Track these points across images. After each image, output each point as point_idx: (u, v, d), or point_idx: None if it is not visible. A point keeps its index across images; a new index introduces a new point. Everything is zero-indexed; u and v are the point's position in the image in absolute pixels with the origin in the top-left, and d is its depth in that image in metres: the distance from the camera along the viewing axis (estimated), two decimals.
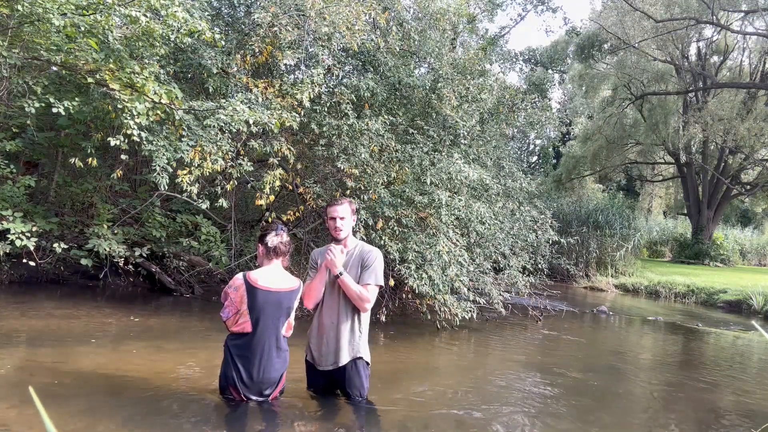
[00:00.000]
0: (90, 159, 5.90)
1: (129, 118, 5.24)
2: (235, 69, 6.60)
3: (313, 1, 6.32)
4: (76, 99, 5.52)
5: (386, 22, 7.56)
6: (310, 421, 3.35)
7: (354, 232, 4.04)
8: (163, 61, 6.08)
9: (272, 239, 3.36)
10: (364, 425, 3.44)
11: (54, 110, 5.29)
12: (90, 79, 5.34)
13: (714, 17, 16.49)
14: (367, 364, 3.57)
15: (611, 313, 9.83)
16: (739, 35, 19.25)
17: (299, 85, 6.38)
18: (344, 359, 3.46)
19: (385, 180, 6.52)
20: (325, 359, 3.51)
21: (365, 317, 3.56)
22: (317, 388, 3.63)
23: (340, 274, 3.39)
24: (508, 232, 7.89)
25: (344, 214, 3.51)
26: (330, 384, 3.58)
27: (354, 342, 3.49)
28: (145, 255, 7.19)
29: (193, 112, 5.91)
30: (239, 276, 3.30)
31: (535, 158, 33.20)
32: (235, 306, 3.23)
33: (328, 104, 6.80)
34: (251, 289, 3.21)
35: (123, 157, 5.72)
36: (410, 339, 6.31)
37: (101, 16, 5.09)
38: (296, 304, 3.38)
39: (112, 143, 5.46)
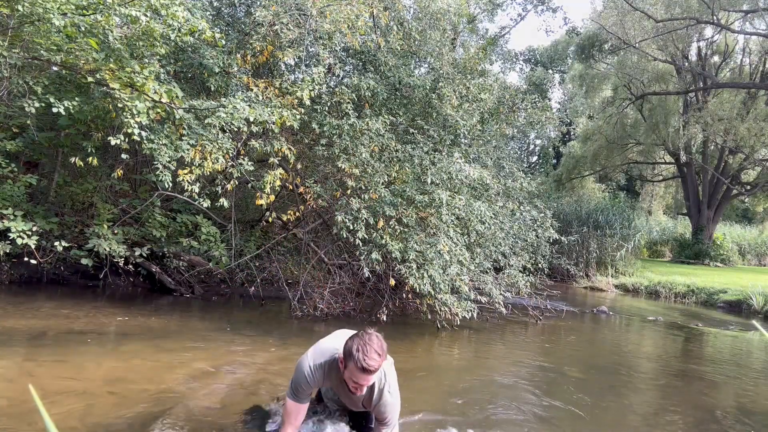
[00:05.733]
0: (90, 159, 5.89)
1: (129, 117, 5.24)
2: (236, 69, 6.60)
3: None
4: (77, 99, 5.51)
5: (387, 21, 7.56)
6: (312, 422, 3.34)
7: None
8: (163, 60, 6.07)
9: None
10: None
11: (54, 110, 5.28)
12: (90, 79, 5.33)
13: (714, 17, 16.49)
14: None
15: (611, 313, 9.83)
16: (740, 35, 19.26)
17: (300, 83, 6.37)
18: None
19: (386, 179, 6.52)
20: None
21: None
22: None
23: None
24: (508, 232, 7.90)
25: (374, 380, 2.81)
26: None
27: None
28: (145, 255, 7.18)
29: (193, 111, 5.91)
30: None
31: (535, 158, 33.24)
32: None
33: (328, 104, 6.80)
34: None
35: (123, 156, 5.71)
36: (410, 339, 6.31)
37: (101, 16, 5.09)
38: None
39: (113, 142, 5.46)
